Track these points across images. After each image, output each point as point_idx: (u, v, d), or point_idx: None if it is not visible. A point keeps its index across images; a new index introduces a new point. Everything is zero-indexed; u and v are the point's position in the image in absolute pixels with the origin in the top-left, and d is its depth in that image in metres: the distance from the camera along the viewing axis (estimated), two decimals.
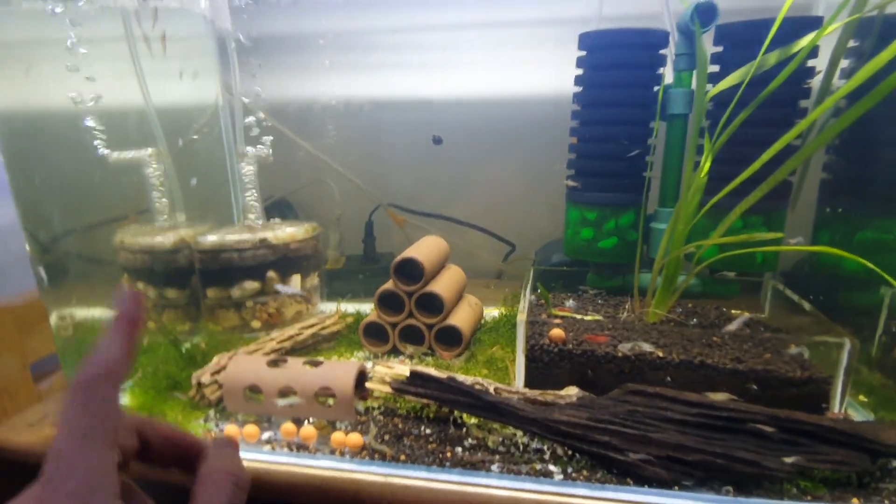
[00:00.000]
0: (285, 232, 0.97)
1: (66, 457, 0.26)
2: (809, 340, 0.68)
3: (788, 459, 0.56)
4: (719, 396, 0.62)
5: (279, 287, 0.87)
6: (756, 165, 0.68)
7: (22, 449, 0.77)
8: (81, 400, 0.27)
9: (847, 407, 0.73)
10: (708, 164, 0.73)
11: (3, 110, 0.84)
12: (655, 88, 0.88)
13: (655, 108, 0.87)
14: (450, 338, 0.90)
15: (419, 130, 1.25)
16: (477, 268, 1.33)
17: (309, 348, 0.92)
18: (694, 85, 0.85)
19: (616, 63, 0.87)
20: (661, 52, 0.88)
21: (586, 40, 0.90)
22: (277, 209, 1.35)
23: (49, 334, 0.87)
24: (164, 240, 0.91)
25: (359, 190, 1.29)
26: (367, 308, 1.03)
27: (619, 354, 0.69)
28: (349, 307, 1.08)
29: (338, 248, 1.31)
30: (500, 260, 1.35)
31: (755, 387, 0.65)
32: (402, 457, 0.66)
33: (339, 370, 0.73)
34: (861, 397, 0.76)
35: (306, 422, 0.73)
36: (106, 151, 0.87)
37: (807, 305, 0.78)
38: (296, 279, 1.00)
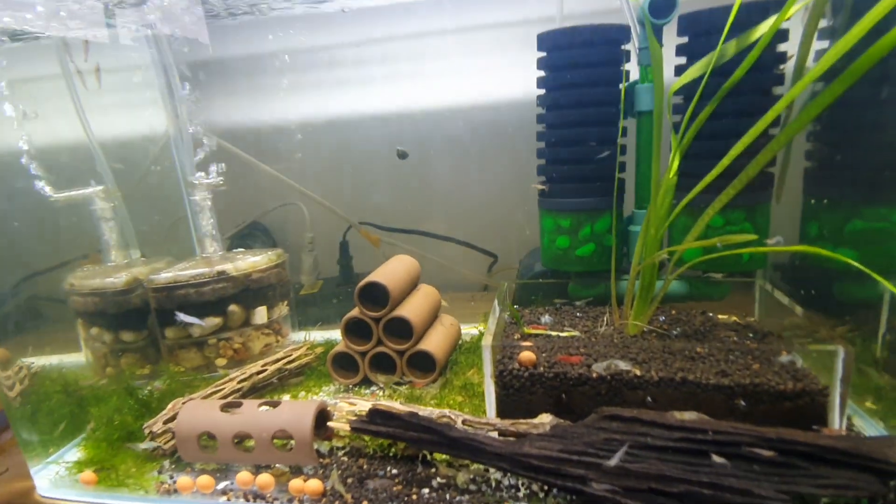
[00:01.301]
0: (246, 262, 0.93)
1: None
2: (800, 349, 0.62)
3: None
4: (687, 415, 0.56)
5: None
6: (725, 161, 0.63)
7: None
8: None
9: (852, 416, 0.67)
10: (676, 163, 0.68)
11: None
12: (621, 86, 0.83)
13: (621, 107, 0.83)
14: (423, 363, 0.85)
15: (389, 145, 1.21)
16: (460, 282, 1.27)
17: (275, 385, 0.87)
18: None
19: (576, 62, 0.83)
20: (624, 47, 0.84)
21: (544, 41, 0.86)
22: (252, 235, 1.30)
23: None
24: (116, 280, 0.87)
25: (330, 211, 1.25)
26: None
27: (594, 375, 0.64)
28: (321, 335, 1.03)
29: (312, 273, 1.26)
30: (484, 272, 1.30)
31: (743, 403, 0.59)
32: (365, 502, 0.60)
33: (296, 411, 0.68)
34: (868, 403, 0.70)
35: (266, 469, 0.68)
36: (49, 191, 0.83)
37: (797, 308, 0.72)
38: (261, 311, 0.95)
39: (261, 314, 0.94)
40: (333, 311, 1.15)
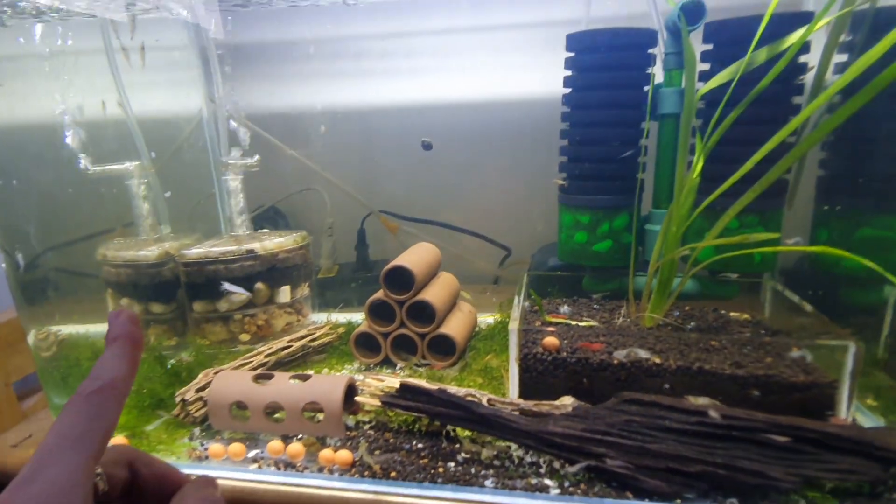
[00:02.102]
0: (273, 242, 0.95)
1: (46, 457, 0.26)
2: (812, 343, 0.66)
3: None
4: (701, 401, 0.60)
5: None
6: (748, 165, 0.66)
7: (6, 470, 0.74)
8: (79, 407, 0.27)
9: (855, 411, 0.71)
10: (700, 165, 0.71)
11: None
12: (645, 88, 0.86)
13: (646, 109, 0.86)
14: (443, 347, 0.88)
15: (411, 136, 1.23)
16: (473, 274, 1.30)
17: (299, 361, 0.90)
18: (684, 84, 0.83)
19: (604, 64, 0.86)
20: (650, 51, 0.87)
21: (573, 41, 0.88)
22: (268, 218, 1.33)
23: (32, 352, 0.85)
24: (148, 253, 0.89)
25: (351, 197, 1.28)
26: (360, 318, 1.01)
27: (615, 362, 0.67)
28: (341, 317, 1.06)
29: (331, 257, 1.28)
30: (496, 265, 1.33)
31: (756, 393, 0.63)
32: (393, 473, 0.63)
33: (326, 384, 0.70)
34: (869, 401, 0.74)
35: (294, 439, 0.71)
36: (86, 165, 0.85)
37: (807, 306, 0.75)
38: (285, 290, 0.98)
39: (284, 293, 0.97)
40: (349, 295, 1.18)
